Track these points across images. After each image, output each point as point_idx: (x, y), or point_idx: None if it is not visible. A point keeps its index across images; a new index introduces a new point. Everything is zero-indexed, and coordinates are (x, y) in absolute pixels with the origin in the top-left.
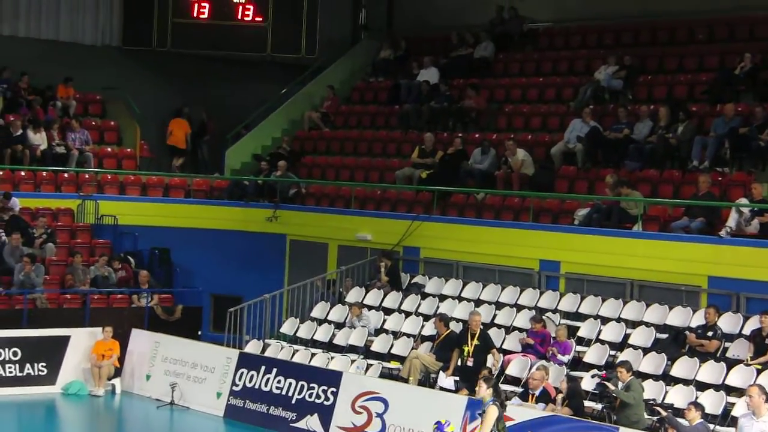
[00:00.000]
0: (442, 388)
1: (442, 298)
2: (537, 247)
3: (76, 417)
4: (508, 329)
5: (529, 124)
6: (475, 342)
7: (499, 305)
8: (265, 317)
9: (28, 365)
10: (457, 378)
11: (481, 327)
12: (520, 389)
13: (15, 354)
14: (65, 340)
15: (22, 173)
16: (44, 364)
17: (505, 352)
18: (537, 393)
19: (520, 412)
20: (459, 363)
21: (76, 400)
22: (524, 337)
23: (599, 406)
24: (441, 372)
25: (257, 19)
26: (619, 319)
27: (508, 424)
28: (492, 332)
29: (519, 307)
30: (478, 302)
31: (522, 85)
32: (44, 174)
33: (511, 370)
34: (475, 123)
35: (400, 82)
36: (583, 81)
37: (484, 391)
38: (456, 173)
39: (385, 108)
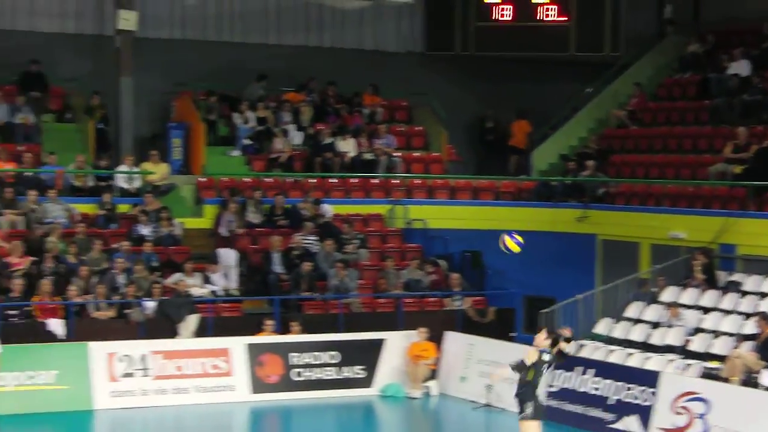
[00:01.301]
0: (767, 389)
1: (763, 295)
2: None
3: (393, 418)
4: None
5: None
6: None
7: None
8: (578, 318)
9: (345, 368)
10: None
11: None
12: None
13: (333, 357)
14: (381, 343)
15: (333, 180)
16: (361, 366)
17: None
18: None
19: None
20: None
21: (393, 402)
22: None
23: None
24: (764, 371)
25: (560, 18)
26: None
27: None
28: None
29: None
30: None
31: None
32: (354, 180)
33: None
34: None
35: (710, 76)
36: None
37: (541, 340)
38: None
39: (694, 103)
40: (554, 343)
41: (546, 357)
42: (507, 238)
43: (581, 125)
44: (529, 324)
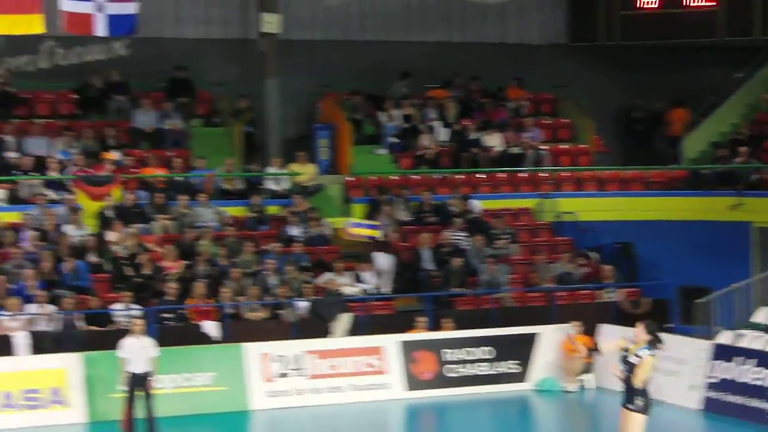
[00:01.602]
0: None
1: None
2: None
3: (549, 413)
4: None
5: None
6: None
7: None
8: (735, 307)
9: (500, 363)
10: None
11: None
12: None
13: (487, 353)
14: (534, 337)
15: (480, 176)
16: (515, 361)
17: None
18: None
19: None
20: None
21: (548, 397)
22: None
23: None
24: None
25: (708, 3)
26: None
27: None
28: None
29: None
30: None
31: None
32: (501, 175)
33: None
34: None
35: None
36: None
37: (642, 334)
38: None
39: None
40: (654, 337)
41: (648, 354)
42: (353, 229)
43: (732, 111)
44: (686, 314)
